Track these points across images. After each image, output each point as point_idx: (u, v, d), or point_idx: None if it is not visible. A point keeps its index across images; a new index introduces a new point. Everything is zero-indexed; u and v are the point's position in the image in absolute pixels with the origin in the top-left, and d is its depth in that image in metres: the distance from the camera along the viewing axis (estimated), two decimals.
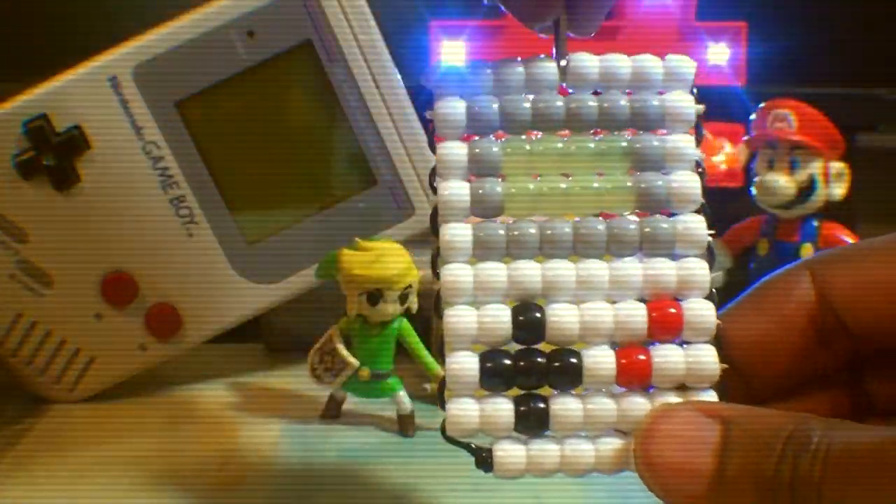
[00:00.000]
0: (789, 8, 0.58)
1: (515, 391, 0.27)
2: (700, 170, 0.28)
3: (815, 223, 0.49)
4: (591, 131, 0.28)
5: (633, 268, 0.27)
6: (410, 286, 0.41)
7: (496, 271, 0.27)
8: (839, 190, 0.49)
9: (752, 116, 0.50)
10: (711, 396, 0.26)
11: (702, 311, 0.27)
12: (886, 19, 0.60)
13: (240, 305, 0.45)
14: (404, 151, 0.45)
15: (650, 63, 0.28)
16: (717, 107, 0.56)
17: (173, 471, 0.37)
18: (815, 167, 0.48)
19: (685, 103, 0.28)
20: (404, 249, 0.41)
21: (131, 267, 0.43)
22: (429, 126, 0.28)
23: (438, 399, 0.27)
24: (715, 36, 0.55)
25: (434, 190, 0.28)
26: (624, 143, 0.28)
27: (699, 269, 0.27)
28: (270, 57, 0.43)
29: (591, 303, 0.27)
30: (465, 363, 0.26)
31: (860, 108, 0.58)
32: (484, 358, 0.27)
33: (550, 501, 0.36)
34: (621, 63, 0.28)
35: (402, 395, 0.42)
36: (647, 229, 0.27)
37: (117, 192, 0.43)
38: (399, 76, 0.44)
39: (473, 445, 0.27)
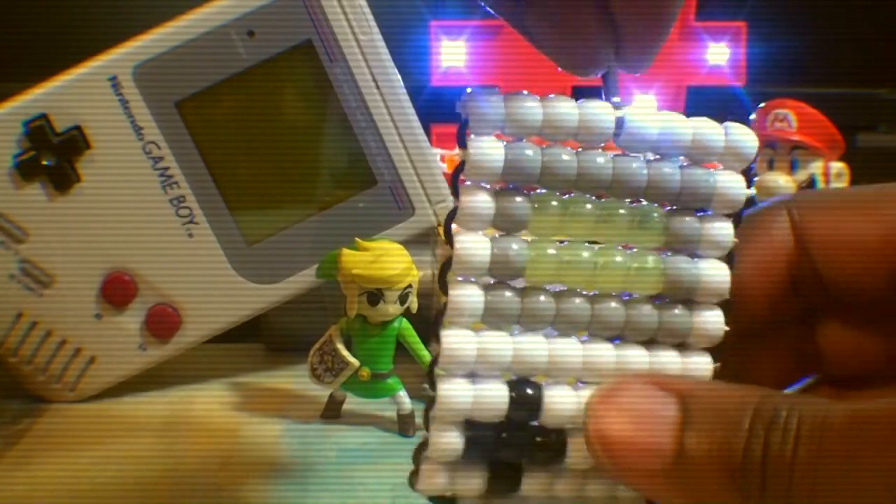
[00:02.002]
0: (789, 8, 0.58)
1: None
2: (730, 258, 0.26)
3: None
4: (631, 199, 0.26)
5: (640, 357, 0.25)
6: (410, 286, 0.41)
7: (502, 344, 0.25)
8: None
9: (752, 116, 0.50)
10: None
11: None
12: (886, 19, 0.60)
13: (240, 305, 0.45)
14: (404, 151, 0.45)
15: (711, 131, 0.25)
16: (717, 107, 0.56)
17: (173, 471, 0.37)
18: (816, 167, 0.48)
19: (737, 186, 0.26)
20: (404, 249, 0.41)
21: (131, 267, 0.43)
22: (457, 168, 0.25)
23: (413, 459, 0.26)
24: (715, 36, 0.55)
25: (449, 238, 0.25)
26: (661, 218, 0.25)
27: (705, 366, 0.26)
28: (270, 57, 0.43)
29: (590, 388, 0.25)
30: (450, 436, 0.25)
31: (860, 108, 0.58)
32: (469, 428, 0.25)
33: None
34: (682, 126, 0.25)
35: (402, 395, 0.42)
36: (666, 320, 0.25)
37: (117, 192, 0.43)
38: (399, 76, 0.44)
39: (443, 498, 0.26)
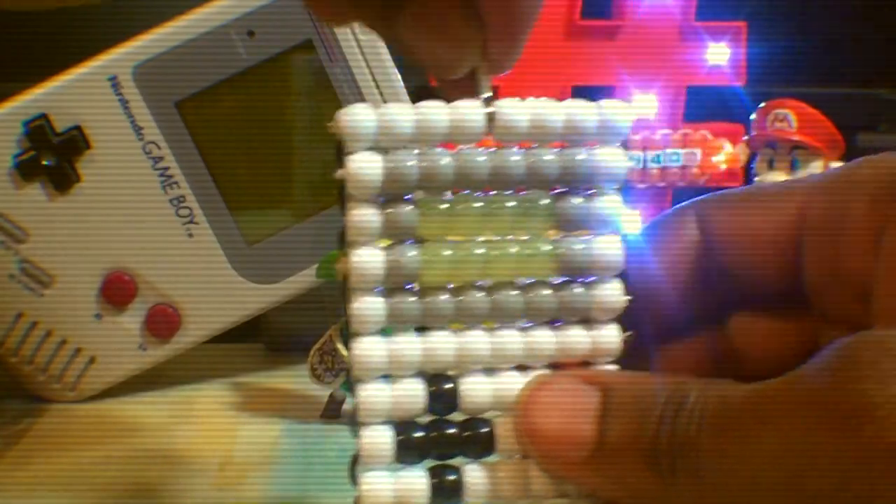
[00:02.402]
0: (789, 8, 0.58)
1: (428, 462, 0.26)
2: (623, 234, 0.27)
3: None
4: (516, 189, 0.26)
5: (546, 337, 0.26)
6: None
7: (410, 345, 0.26)
8: None
9: (752, 116, 0.50)
10: None
11: None
12: (887, 19, 0.60)
13: (240, 305, 0.45)
14: None
15: (584, 112, 0.26)
16: (717, 107, 0.56)
17: (173, 471, 0.37)
18: (816, 167, 0.48)
19: (617, 160, 0.26)
20: None
21: (131, 267, 0.43)
22: (340, 186, 0.25)
23: (350, 475, 0.26)
24: (715, 36, 0.55)
25: (345, 254, 0.26)
26: (547, 203, 0.26)
27: (611, 337, 0.27)
28: (270, 57, 0.43)
29: (504, 374, 0.26)
30: (379, 437, 0.26)
31: (860, 108, 0.58)
32: (398, 431, 0.26)
33: (551, 502, 0.35)
34: (553, 112, 0.26)
35: None
36: (565, 298, 0.26)
37: (117, 192, 0.43)
38: (399, 76, 0.44)
39: None
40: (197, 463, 0.38)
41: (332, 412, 0.43)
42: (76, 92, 0.42)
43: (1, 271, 0.42)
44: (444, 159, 0.25)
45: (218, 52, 0.43)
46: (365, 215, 0.25)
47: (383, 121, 0.25)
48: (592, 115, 0.26)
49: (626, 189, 0.27)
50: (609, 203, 0.26)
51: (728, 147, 0.56)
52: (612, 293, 0.26)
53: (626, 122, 0.26)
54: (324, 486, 0.36)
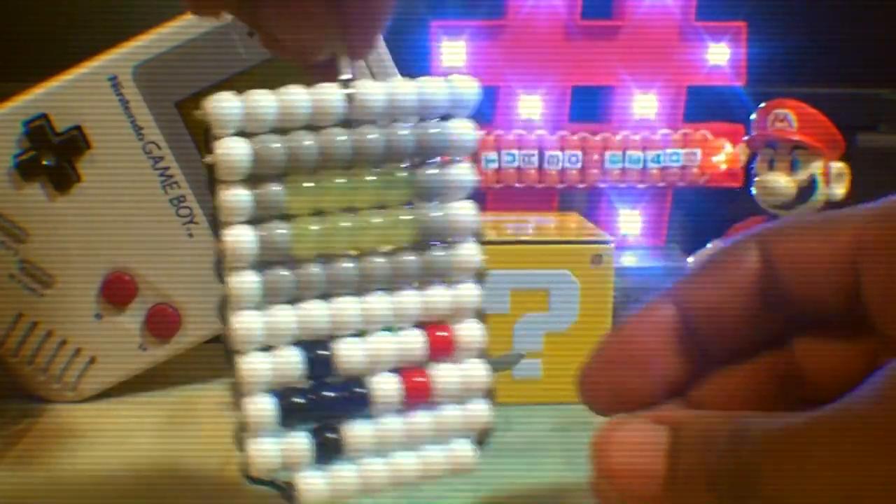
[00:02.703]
0: (789, 8, 0.58)
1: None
2: (475, 196, 0.29)
3: None
4: (377, 165, 0.28)
5: (412, 299, 0.29)
6: None
7: (285, 316, 0.28)
8: (840, 190, 0.49)
9: (752, 116, 0.50)
10: (484, 404, 0.30)
11: (472, 331, 0.30)
12: (886, 19, 0.60)
13: None
14: None
15: (434, 88, 0.28)
16: (717, 107, 0.56)
17: (173, 471, 0.37)
18: (816, 167, 0.48)
19: (466, 131, 0.29)
20: None
21: (131, 267, 0.43)
22: (210, 170, 0.27)
23: (236, 442, 0.28)
24: (715, 36, 0.55)
25: (217, 234, 0.27)
26: (404, 175, 0.29)
27: (471, 294, 0.30)
28: (270, 57, 0.43)
29: (375, 335, 0.29)
30: (262, 406, 0.27)
31: (860, 108, 0.58)
32: (280, 398, 0.27)
33: (551, 502, 0.36)
34: (406, 90, 0.28)
35: None
36: (426, 261, 0.29)
37: (117, 192, 0.43)
38: (399, 76, 0.44)
39: (277, 481, 0.28)
40: (197, 463, 0.38)
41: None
42: (76, 92, 0.42)
43: (1, 271, 0.42)
44: (308, 140, 0.27)
45: (218, 52, 0.43)
46: (235, 196, 0.27)
47: (248, 106, 0.27)
48: (442, 91, 0.29)
49: (476, 156, 0.28)
50: (461, 171, 0.29)
51: (728, 147, 0.56)
52: (470, 253, 0.30)
53: (473, 95, 0.29)
54: None
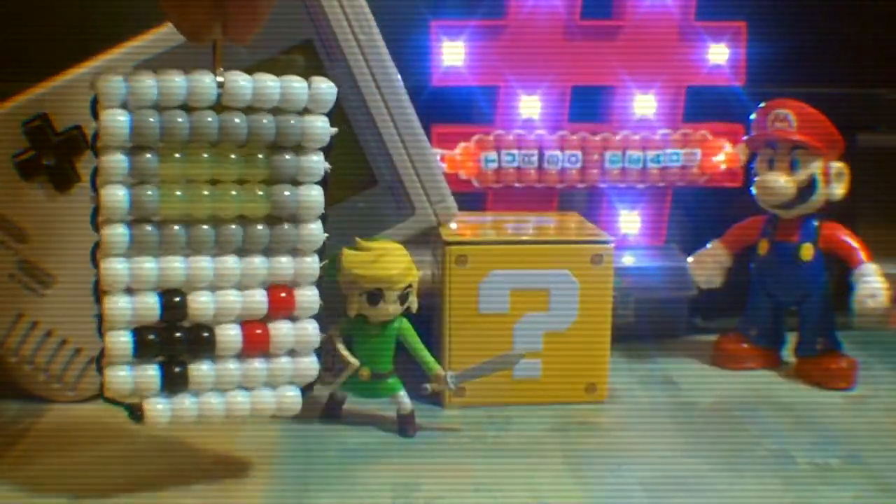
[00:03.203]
0: (789, 8, 0.58)
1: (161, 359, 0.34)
2: (326, 183, 0.35)
3: (815, 223, 0.49)
4: (241, 146, 0.33)
5: (260, 264, 0.34)
6: (410, 286, 0.41)
7: (148, 266, 0.33)
8: (839, 190, 0.49)
9: (752, 116, 0.50)
10: (313, 359, 0.35)
11: (308, 296, 0.35)
12: (886, 19, 0.60)
13: None
14: (404, 152, 0.45)
15: (296, 86, 0.34)
16: (717, 107, 0.56)
17: (173, 471, 0.37)
18: (815, 167, 0.48)
19: (321, 126, 0.34)
20: (404, 249, 0.41)
21: None
22: (94, 135, 0.32)
23: (96, 367, 0.33)
24: (715, 36, 0.55)
25: (95, 190, 0.32)
26: (263, 158, 0.34)
27: (311, 266, 0.35)
28: (270, 57, 0.43)
29: (224, 290, 0.34)
30: (121, 339, 0.33)
31: (860, 108, 0.58)
32: (136, 334, 0.33)
33: (551, 501, 0.36)
34: (272, 84, 0.33)
35: (402, 395, 0.42)
36: (275, 233, 0.34)
37: None
38: (399, 76, 0.44)
39: (128, 404, 0.34)
40: (197, 463, 0.38)
41: (332, 412, 0.43)
42: (76, 92, 0.42)
43: (1, 271, 0.42)
44: (181, 118, 0.32)
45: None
46: (113, 160, 0.32)
47: (132, 85, 0.32)
48: (302, 90, 0.34)
49: (330, 148, 0.34)
50: (313, 160, 0.34)
51: (728, 147, 0.56)
52: (313, 232, 0.35)
53: (331, 94, 0.34)
54: (324, 486, 0.36)
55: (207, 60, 0.43)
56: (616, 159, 0.55)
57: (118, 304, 0.33)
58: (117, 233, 0.32)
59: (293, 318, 0.35)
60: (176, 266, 0.33)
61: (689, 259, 0.53)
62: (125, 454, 0.39)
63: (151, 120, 0.32)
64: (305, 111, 0.34)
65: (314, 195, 0.34)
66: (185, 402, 0.34)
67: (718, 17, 0.55)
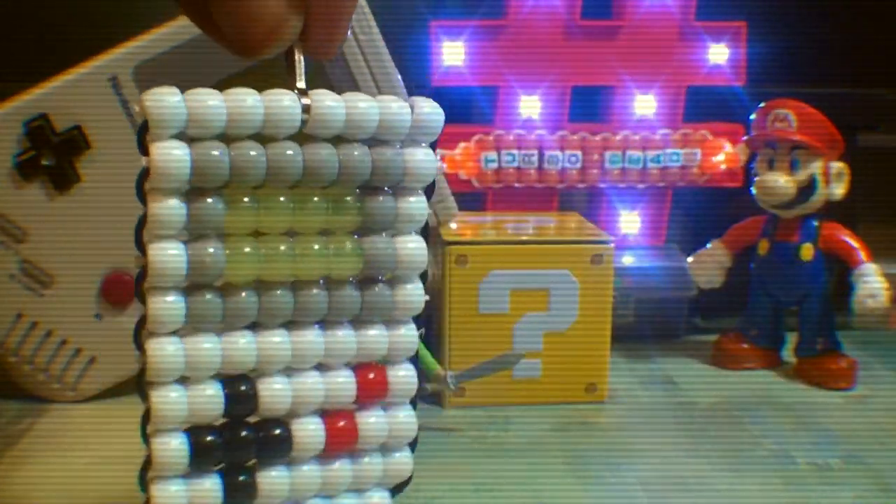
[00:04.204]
0: (789, 8, 0.58)
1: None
2: (427, 233, 0.27)
3: (815, 223, 0.49)
4: (326, 187, 0.26)
5: (348, 337, 0.27)
6: None
7: (208, 347, 0.25)
8: (839, 190, 0.49)
9: (752, 116, 0.50)
10: (407, 455, 0.28)
11: (404, 375, 0.27)
12: (886, 20, 0.60)
13: None
14: None
15: (396, 109, 0.26)
16: (717, 107, 0.56)
17: None
18: (816, 167, 0.48)
19: (426, 160, 0.26)
20: None
21: (131, 267, 0.43)
22: (141, 175, 0.24)
23: (139, 483, 0.26)
24: (715, 36, 0.55)
25: (142, 248, 0.24)
26: (355, 200, 0.26)
27: (409, 336, 0.27)
28: (270, 57, 0.43)
29: (303, 373, 0.26)
30: (173, 446, 0.25)
31: (860, 108, 0.58)
32: (192, 436, 0.25)
33: (551, 501, 0.36)
34: (368, 107, 0.25)
35: None
36: (368, 297, 0.26)
37: (117, 192, 0.42)
38: (399, 76, 0.44)
39: None
40: None
41: None
42: (76, 92, 0.42)
43: (1, 271, 0.42)
44: (255, 151, 0.24)
45: (218, 52, 0.42)
46: (167, 208, 0.24)
47: (192, 108, 0.24)
48: (405, 115, 0.26)
49: (431, 189, 0.27)
50: (415, 203, 0.27)
51: (728, 147, 0.56)
52: (414, 293, 0.27)
53: (438, 120, 0.26)
54: None
55: (208, 61, 0.43)
56: (616, 159, 0.55)
57: (169, 399, 0.25)
58: (169, 304, 0.24)
59: (385, 406, 0.28)
60: (244, 345, 0.25)
61: (690, 259, 0.53)
62: (125, 454, 0.39)
63: (217, 154, 0.24)
64: (406, 141, 0.27)
65: (416, 247, 0.27)
66: None
67: (718, 17, 0.55)
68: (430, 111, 0.26)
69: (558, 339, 0.45)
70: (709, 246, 0.52)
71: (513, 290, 0.44)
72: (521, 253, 0.44)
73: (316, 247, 0.26)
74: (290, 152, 0.25)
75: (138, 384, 0.25)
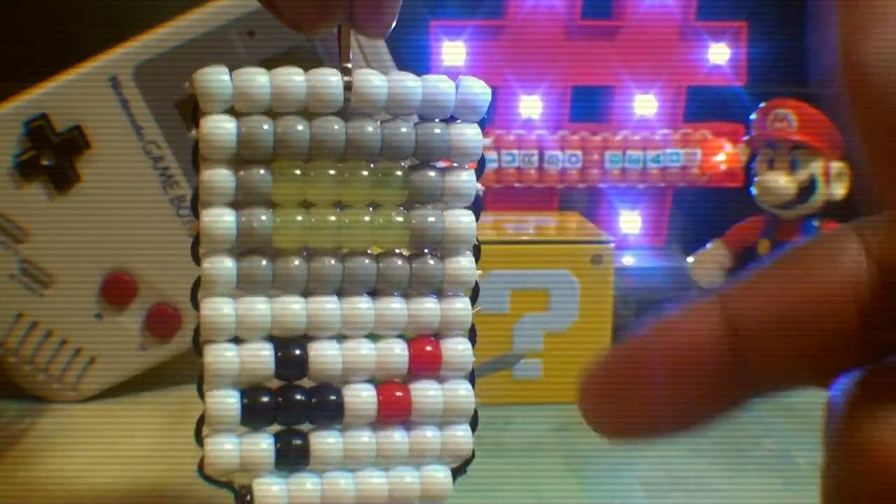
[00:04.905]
0: (789, 8, 0.58)
1: (276, 427, 0.27)
2: (479, 207, 0.27)
3: (816, 223, 0.49)
4: (372, 161, 0.26)
5: (398, 307, 0.27)
6: None
7: (259, 308, 0.26)
8: (840, 190, 0.49)
9: (752, 116, 0.50)
10: (466, 431, 0.28)
11: (460, 349, 0.27)
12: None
13: None
14: None
15: (442, 87, 0.27)
16: (717, 107, 0.56)
17: (173, 471, 0.37)
18: (816, 167, 0.48)
19: (472, 136, 0.27)
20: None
21: (131, 267, 0.43)
22: (194, 147, 0.26)
23: (195, 438, 0.26)
24: (715, 36, 0.55)
25: (196, 213, 0.26)
26: (402, 175, 0.27)
27: (462, 309, 0.27)
28: (270, 57, 0.43)
29: (354, 341, 0.27)
30: (225, 401, 0.26)
31: None
32: (245, 395, 0.26)
33: (551, 501, 0.36)
34: (412, 85, 0.26)
35: None
36: (417, 269, 0.27)
37: (117, 192, 0.43)
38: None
39: (234, 484, 0.27)
40: (196, 463, 0.38)
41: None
42: (76, 92, 0.42)
43: (1, 271, 0.42)
44: (300, 126, 0.26)
45: (218, 52, 0.43)
46: (217, 176, 0.26)
47: (239, 85, 0.26)
48: (450, 92, 0.27)
49: (483, 164, 0.27)
50: (463, 178, 0.27)
51: (728, 147, 0.56)
52: (465, 267, 0.27)
53: (485, 97, 0.27)
54: None
55: (209, 61, 0.43)
56: (616, 159, 0.55)
57: (222, 356, 0.26)
58: (222, 266, 0.26)
59: (441, 378, 0.28)
60: (294, 309, 0.26)
61: (690, 259, 0.53)
62: (125, 454, 0.39)
63: (266, 128, 0.26)
64: (453, 118, 0.27)
65: (464, 221, 0.27)
66: (306, 484, 0.27)
67: (719, 17, 0.55)
68: (477, 89, 0.27)
69: (558, 339, 0.45)
70: (709, 246, 0.52)
71: (513, 290, 0.44)
72: (521, 253, 0.44)
73: (365, 218, 0.26)
74: (335, 127, 0.26)
75: (194, 342, 0.26)
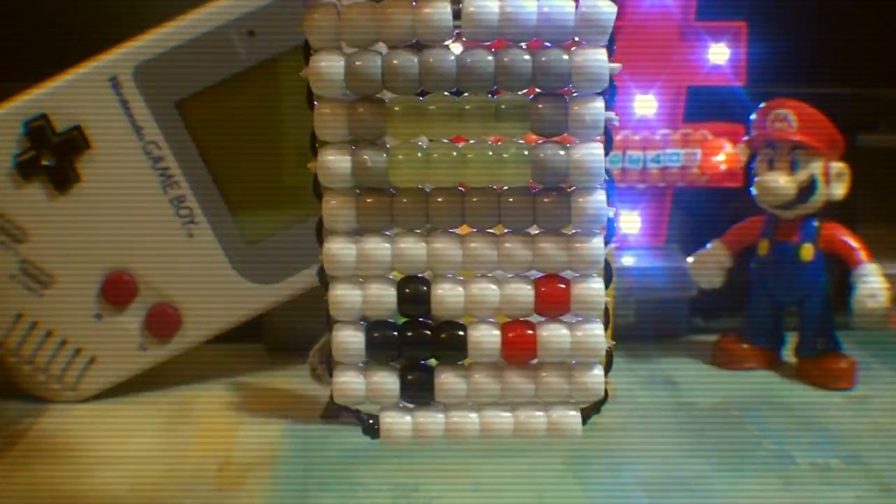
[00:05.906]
0: (789, 8, 0.58)
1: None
2: (607, 138, 0.26)
3: (815, 223, 0.49)
4: (489, 91, 0.25)
5: (522, 244, 0.26)
6: None
7: (380, 247, 0.26)
8: (839, 190, 0.49)
9: (752, 116, 0.50)
10: (598, 370, 0.27)
11: (591, 288, 0.26)
12: (886, 19, 0.60)
13: (240, 305, 0.45)
14: None
15: (560, 7, 0.25)
16: (717, 107, 0.56)
17: (173, 471, 0.37)
18: (816, 167, 0.48)
19: (597, 61, 0.25)
20: None
21: (131, 267, 0.43)
22: (308, 89, 0.25)
23: (326, 368, 0.27)
24: (715, 36, 0.55)
25: (314, 154, 0.26)
26: (524, 106, 0.25)
27: (594, 247, 0.26)
28: (270, 57, 0.43)
29: (478, 279, 0.26)
30: (351, 335, 0.26)
31: (860, 108, 0.58)
32: (370, 330, 0.26)
33: (551, 501, 0.36)
34: (526, 8, 0.25)
35: None
36: (542, 208, 0.26)
37: (117, 192, 0.43)
38: None
39: (361, 414, 0.28)
40: (197, 463, 0.38)
41: (333, 412, 0.43)
42: (76, 92, 0.42)
43: (1, 271, 0.42)
44: (408, 57, 0.25)
45: (218, 52, 0.43)
46: (329, 112, 0.25)
47: (344, 21, 0.25)
48: (569, 11, 0.25)
49: (613, 93, 0.26)
50: (591, 108, 0.25)
51: (728, 147, 0.56)
52: (594, 203, 0.26)
53: (609, 14, 0.26)
54: (324, 487, 0.36)
55: (209, 61, 0.43)
56: (616, 159, 0.55)
57: (344, 293, 0.26)
58: (340, 203, 0.26)
59: (569, 319, 0.27)
60: (414, 246, 0.26)
61: (690, 259, 0.53)
62: (125, 454, 0.39)
63: (370, 59, 0.25)
64: (575, 43, 0.26)
65: (593, 154, 0.25)
66: (431, 418, 0.27)
67: (719, 17, 0.55)
68: (598, 6, 0.25)
69: None
70: (709, 246, 0.52)
71: None
72: None
73: (488, 152, 0.25)
74: (444, 56, 0.25)
75: (319, 279, 0.26)
